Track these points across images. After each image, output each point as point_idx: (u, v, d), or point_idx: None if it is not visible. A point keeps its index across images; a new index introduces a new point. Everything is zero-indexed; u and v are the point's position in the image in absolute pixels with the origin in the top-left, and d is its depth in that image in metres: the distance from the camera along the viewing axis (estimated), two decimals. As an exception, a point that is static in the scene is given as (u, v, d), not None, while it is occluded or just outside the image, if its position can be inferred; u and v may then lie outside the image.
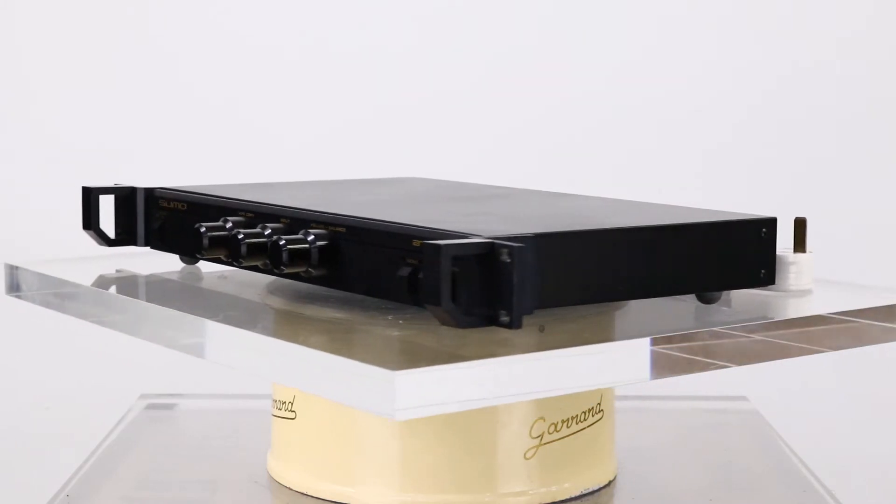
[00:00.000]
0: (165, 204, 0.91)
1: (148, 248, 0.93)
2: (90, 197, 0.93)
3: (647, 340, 0.70)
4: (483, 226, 0.72)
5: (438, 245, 0.64)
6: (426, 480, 0.81)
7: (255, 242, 0.78)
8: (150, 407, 1.11)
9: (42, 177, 1.55)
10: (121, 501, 0.88)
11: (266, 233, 0.79)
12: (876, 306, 0.80)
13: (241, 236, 0.78)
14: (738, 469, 0.96)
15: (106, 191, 0.93)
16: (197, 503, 0.87)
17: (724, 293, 0.81)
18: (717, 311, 0.79)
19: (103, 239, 0.93)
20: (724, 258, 0.78)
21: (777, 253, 0.81)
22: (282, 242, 0.76)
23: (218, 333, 0.74)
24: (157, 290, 0.91)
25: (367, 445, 0.82)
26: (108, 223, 0.93)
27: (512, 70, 1.56)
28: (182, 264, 0.93)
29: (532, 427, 0.82)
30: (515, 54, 1.56)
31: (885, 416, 1.55)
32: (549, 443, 0.83)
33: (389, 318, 0.75)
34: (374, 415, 0.72)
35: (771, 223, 0.79)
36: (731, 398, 1.14)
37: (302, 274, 0.77)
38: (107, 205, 0.94)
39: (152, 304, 0.82)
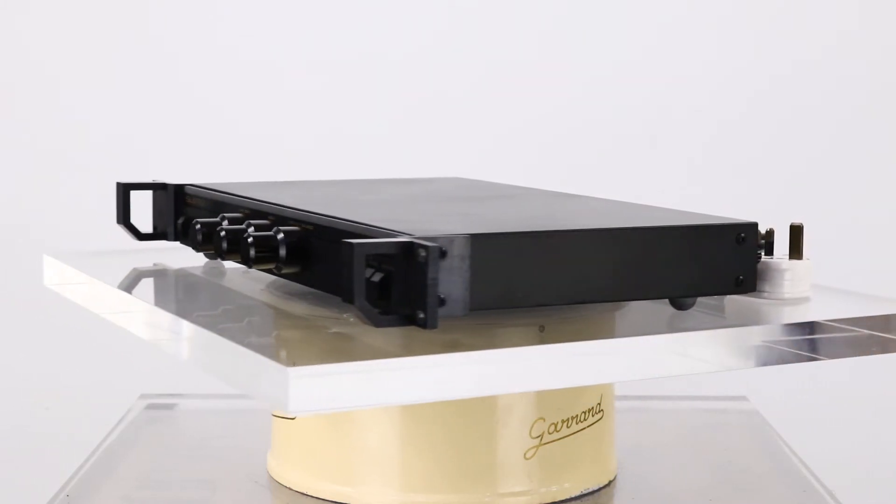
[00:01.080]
0: (190, 200, 0.93)
1: (178, 244, 0.94)
2: (123, 192, 0.95)
3: (543, 348, 0.69)
4: (431, 226, 0.72)
5: (351, 244, 0.64)
6: (426, 480, 0.81)
7: (234, 239, 0.79)
8: (150, 407, 1.11)
9: (75, 171, 1.55)
10: (121, 501, 0.88)
11: (249, 230, 0.79)
12: (870, 315, 0.78)
13: (223, 233, 0.79)
14: (738, 469, 0.96)
15: (137, 186, 0.96)
16: (197, 503, 0.87)
17: (720, 301, 0.80)
18: (690, 316, 0.77)
19: (135, 234, 0.95)
20: (696, 263, 0.75)
21: (768, 259, 0.80)
22: (249, 239, 0.76)
23: (169, 324, 0.75)
24: (146, 286, 0.92)
25: (367, 445, 0.82)
26: (144, 218, 0.96)
27: (515, 71, 1.56)
28: (206, 259, 0.94)
29: (532, 427, 0.82)
30: (517, 56, 1.56)
31: (885, 416, 1.55)
32: (549, 443, 0.83)
33: (345, 315, 0.75)
34: (273, 411, 0.72)
35: (750, 228, 0.77)
36: (731, 398, 1.14)
37: (275, 270, 0.77)
38: (142, 201, 0.96)
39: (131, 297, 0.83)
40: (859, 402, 1.54)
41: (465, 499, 0.81)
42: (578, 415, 0.84)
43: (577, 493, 0.84)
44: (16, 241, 1.57)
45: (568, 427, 0.83)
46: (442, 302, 0.66)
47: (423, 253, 0.64)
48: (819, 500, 0.88)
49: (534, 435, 0.82)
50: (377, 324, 0.65)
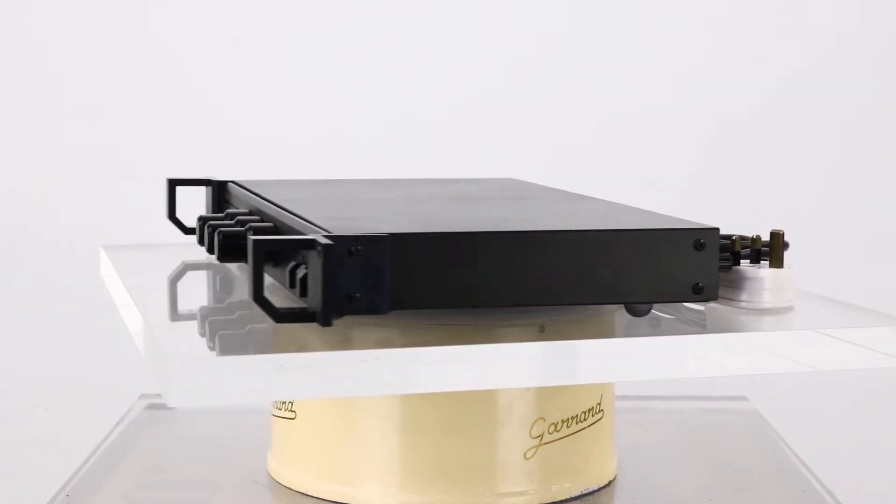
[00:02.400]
0: (228, 197, 0.95)
1: None
2: (170, 188, 0.97)
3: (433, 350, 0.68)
4: (368, 224, 0.72)
5: (252, 240, 0.65)
6: (426, 480, 0.81)
7: (210, 234, 0.81)
8: (150, 407, 1.11)
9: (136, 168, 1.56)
10: (121, 501, 0.88)
11: (220, 227, 0.80)
12: (845, 327, 0.75)
13: (208, 229, 0.81)
14: (738, 469, 0.96)
15: (184, 182, 0.97)
16: (197, 503, 0.87)
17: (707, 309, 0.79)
18: (649, 321, 0.76)
19: (182, 228, 0.97)
20: (648, 268, 0.72)
21: (743, 267, 0.78)
22: (220, 235, 0.77)
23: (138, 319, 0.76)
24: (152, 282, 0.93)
25: (367, 445, 0.82)
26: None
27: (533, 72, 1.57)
28: None
29: (532, 427, 0.82)
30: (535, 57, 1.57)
31: (885, 416, 1.55)
32: (549, 443, 0.83)
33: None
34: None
35: (710, 233, 0.73)
36: (731, 398, 1.14)
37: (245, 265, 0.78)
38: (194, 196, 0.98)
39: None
40: (859, 401, 1.54)
41: (465, 499, 0.81)
42: (578, 415, 0.84)
43: (577, 493, 0.84)
44: (15, 241, 1.57)
45: (568, 427, 0.83)
46: (356, 300, 0.66)
47: (319, 250, 0.65)
48: (819, 500, 0.88)
49: (534, 435, 0.82)
50: (277, 319, 0.66)
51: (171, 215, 0.97)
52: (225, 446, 1.00)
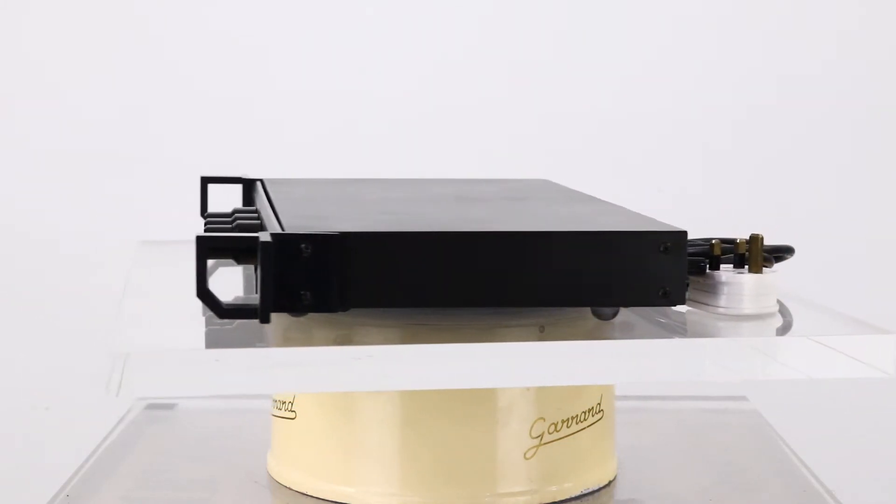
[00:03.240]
0: (254, 195, 0.95)
1: None
2: (202, 186, 0.98)
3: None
4: (329, 223, 0.73)
5: (197, 237, 0.66)
6: (426, 480, 0.81)
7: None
8: (150, 407, 1.11)
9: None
10: (121, 501, 0.88)
11: (210, 224, 0.81)
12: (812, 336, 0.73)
13: (205, 228, 0.81)
14: (738, 469, 0.96)
15: (217, 180, 0.99)
16: (197, 503, 0.87)
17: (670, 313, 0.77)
18: (617, 326, 0.75)
19: None
20: (612, 271, 0.71)
21: (719, 272, 0.76)
22: (206, 233, 0.78)
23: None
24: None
25: (367, 445, 0.82)
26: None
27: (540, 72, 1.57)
28: None
29: (532, 427, 0.82)
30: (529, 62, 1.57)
31: (885, 416, 1.55)
32: (549, 443, 0.83)
33: None
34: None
35: (677, 237, 0.72)
36: (731, 398, 1.14)
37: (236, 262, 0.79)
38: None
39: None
40: (859, 401, 1.54)
41: (464, 499, 0.81)
42: (578, 415, 0.84)
43: (577, 493, 0.84)
44: (14, 242, 1.57)
45: (568, 427, 0.83)
46: (306, 298, 0.67)
47: (261, 248, 0.66)
48: (819, 500, 0.88)
49: (534, 435, 0.82)
50: (220, 315, 0.67)
51: (204, 213, 0.98)
52: (225, 446, 1.00)
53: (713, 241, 0.78)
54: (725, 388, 1.18)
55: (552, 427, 0.83)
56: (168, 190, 1.53)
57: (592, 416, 0.85)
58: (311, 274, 0.68)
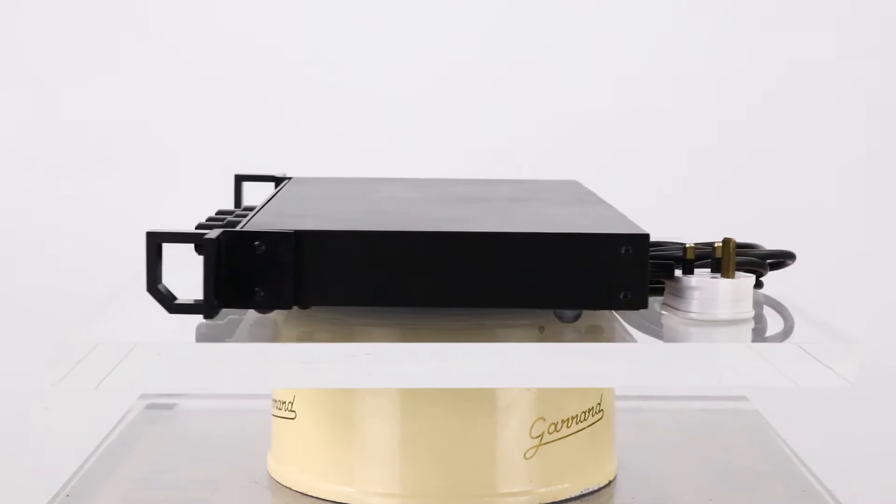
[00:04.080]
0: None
1: None
2: (236, 184, 1.00)
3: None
4: (297, 221, 0.74)
5: (147, 233, 0.67)
6: (426, 480, 0.81)
7: None
8: (150, 407, 1.11)
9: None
10: (121, 501, 0.88)
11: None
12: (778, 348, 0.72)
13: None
14: (738, 469, 0.96)
15: (250, 178, 1.00)
16: (197, 503, 0.87)
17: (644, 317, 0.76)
18: (566, 330, 0.74)
19: None
20: (569, 274, 0.70)
21: (691, 276, 0.75)
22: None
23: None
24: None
25: (367, 445, 0.82)
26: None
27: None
28: None
29: (532, 427, 0.82)
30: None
31: (885, 416, 1.55)
32: (549, 443, 0.83)
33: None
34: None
35: (637, 240, 0.70)
36: (731, 398, 1.14)
37: None
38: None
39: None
40: (859, 401, 1.53)
41: (465, 499, 0.81)
42: (578, 415, 0.84)
43: (577, 493, 0.84)
44: (15, 240, 1.57)
45: (568, 427, 0.83)
46: (259, 294, 0.68)
47: (206, 245, 0.67)
48: (819, 500, 0.88)
49: (534, 435, 0.82)
50: (169, 310, 0.68)
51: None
52: (225, 446, 1.00)
53: (687, 245, 0.77)
54: (725, 388, 1.18)
55: (552, 427, 0.83)
56: (196, 188, 1.54)
57: (592, 416, 0.85)
58: (265, 271, 0.69)
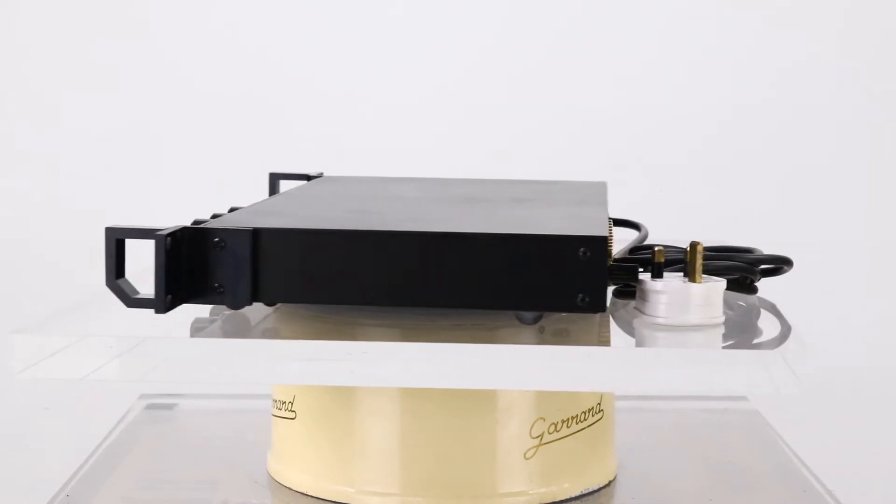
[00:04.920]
0: None
1: None
2: (271, 183, 1.01)
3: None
4: (257, 219, 0.75)
5: (105, 228, 0.69)
6: (426, 480, 0.81)
7: None
8: (150, 407, 1.11)
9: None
10: (121, 501, 0.88)
11: None
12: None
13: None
14: (738, 469, 0.96)
15: (285, 176, 1.02)
16: (197, 503, 0.87)
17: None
18: (525, 331, 0.74)
19: None
20: (529, 275, 0.70)
21: (657, 280, 0.74)
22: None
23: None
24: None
25: (367, 445, 0.82)
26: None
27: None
28: None
29: (532, 427, 0.82)
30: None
31: (885, 416, 1.55)
32: (549, 443, 0.83)
33: None
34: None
35: (595, 242, 0.69)
36: (731, 398, 1.14)
37: None
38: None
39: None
40: (859, 401, 1.53)
41: (464, 499, 0.81)
42: (578, 415, 0.84)
43: (577, 493, 0.84)
44: (16, 239, 1.57)
45: (568, 427, 0.83)
46: (219, 290, 0.70)
47: (160, 242, 0.68)
48: (819, 500, 0.88)
49: (534, 435, 0.82)
50: (127, 304, 0.70)
51: None
52: (225, 446, 1.00)
53: (656, 248, 0.76)
54: (725, 389, 1.18)
55: (552, 427, 0.83)
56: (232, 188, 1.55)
57: (592, 416, 0.85)
58: (224, 267, 0.70)
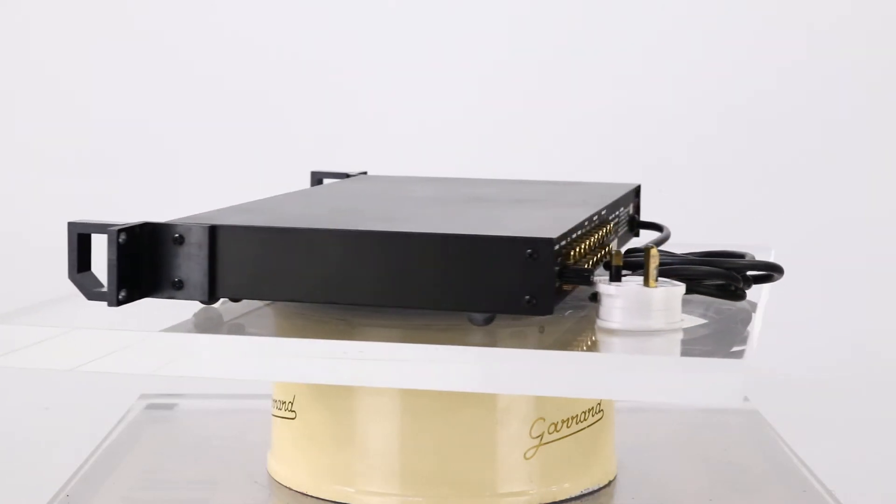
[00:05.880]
0: None
1: None
2: (316, 181, 1.03)
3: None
4: (218, 216, 0.76)
5: (68, 223, 0.70)
6: (426, 480, 0.81)
7: None
8: (150, 407, 1.11)
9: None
10: (121, 501, 0.88)
11: None
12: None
13: None
14: (738, 469, 0.96)
15: (327, 175, 1.04)
16: (197, 503, 0.87)
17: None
18: (475, 332, 0.73)
19: None
20: (475, 277, 0.69)
21: (605, 284, 0.72)
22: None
23: None
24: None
25: (367, 445, 0.82)
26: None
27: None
28: None
29: (532, 427, 0.82)
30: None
31: (885, 416, 1.55)
32: (549, 443, 0.83)
33: None
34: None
35: (542, 244, 0.69)
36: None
37: None
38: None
39: None
40: (859, 401, 1.54)
41: (464, 499, 0.81)
42: (578, 415, 0.84)
43: (577, 493, 0.84)
44: (16, 239, 1.57)
45: (568, 427, 0.83)
46: (180, 284, 0.71)
47: (112, 237, 0.70)
48: (819, 500, 0.88)
49: (534, 435, 0.82)
50: (88, 297, 0.71)
51: None
52: (225, 446, 1.00)
53: (614, 252, 0.75)
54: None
55: (552, 427, 0.83)
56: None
57: (592, 416, 0.85)
58: (183, 263, 0.72)
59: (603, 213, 0.86)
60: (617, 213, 0.91)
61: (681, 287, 0.73)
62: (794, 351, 1.52)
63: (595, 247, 0.79)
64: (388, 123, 1.59)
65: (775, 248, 0.97)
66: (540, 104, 1.57)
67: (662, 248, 0.89)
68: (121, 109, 1.59)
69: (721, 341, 0.74)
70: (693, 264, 0.79)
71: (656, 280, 0.73)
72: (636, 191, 1.02)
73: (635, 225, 1.00)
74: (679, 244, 0.91)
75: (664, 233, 0.95)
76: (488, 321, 0.72)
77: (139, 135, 1.59)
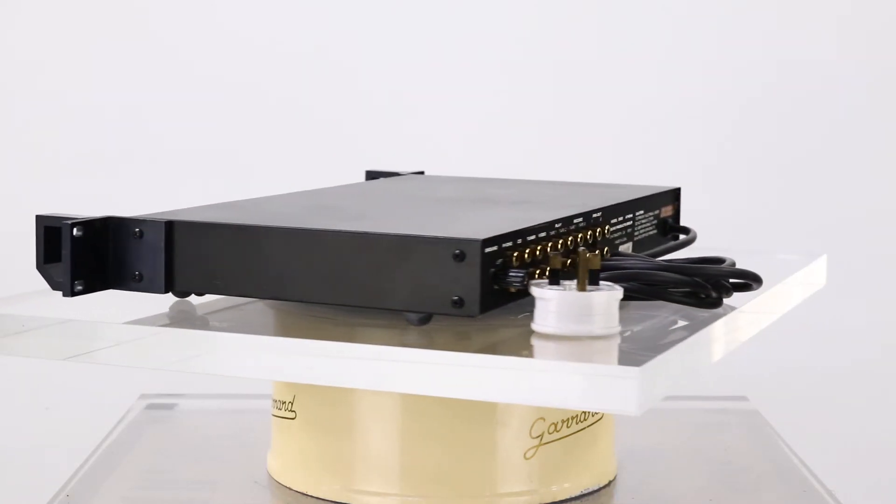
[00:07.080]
0: None
1: None
2: (370, 180, 1.05)
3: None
4: (220, 213, 0.78)
5: (36, 216, 0.73)
6: (426, 480, 0.81)
7: None
8: (150, 407, 1.11)
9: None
10: (121, 501, 0.88)
11: None
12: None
13: None
14: (738, 469, 0.96)
15: (379, 174, 1.06)
16: (197, 503, 0.87)
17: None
18: (410, 332, 0.73)
19: None
20: (404, 276, 0.70)
21: (540, 287, 0.71)
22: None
23: None
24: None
25: (367, 445, 0.82)
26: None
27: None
28: None
29: (532, 427, 0.82)
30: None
31: (885, 416, 1.55)
32: (549, 443, 0.83)
33: None
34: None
35: (470, 244, 0.69)
36: (731, 398, 1.14)
37: None
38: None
39: None
40: (859, 402, 1.54)
41: (464, 499, 0.81)
42: (578, 415, 0.84)
43: (577, 493, 0.84)
44: (16, 239, 1.57)
45: (568, 427, 0.83)
46: (139, 278, 0.74)
47: (63, 230, 0.72)
48: (819, 500, 0.88)
49: (534, 435, 0.82)
50: (53, 287, 0.74)
51: None
52: (225, 446, 1.00)
53: (551, 254, 0.74)
54: (725, 388, 1.18)
55: (552, 427, 0.83)
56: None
57: (592, 415, 0.85)
58: (142, 257, 0.74)
59: (595, 216, 0.85)
60: (626, 216, 0.90)
61: (619, 291, 0.71)
62: (794, 351, 1.52)
63: (573, 249, 0.78)
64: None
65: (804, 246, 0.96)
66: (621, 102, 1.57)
67: (681, 253, 0.88)
68: (124, 109, 1.59)
69: (642, 348, 0.72)
70: (665, 271, 0.76)
71: (586, 284, 0.71)
72: (674, 194, 1.00)
73: (668, 229, 0.98)
74: (703, 248, 0.90)
75: (689, 236, 0.94)
76: (423, 321, 0.72)
77: (140, 135, 1.59)
